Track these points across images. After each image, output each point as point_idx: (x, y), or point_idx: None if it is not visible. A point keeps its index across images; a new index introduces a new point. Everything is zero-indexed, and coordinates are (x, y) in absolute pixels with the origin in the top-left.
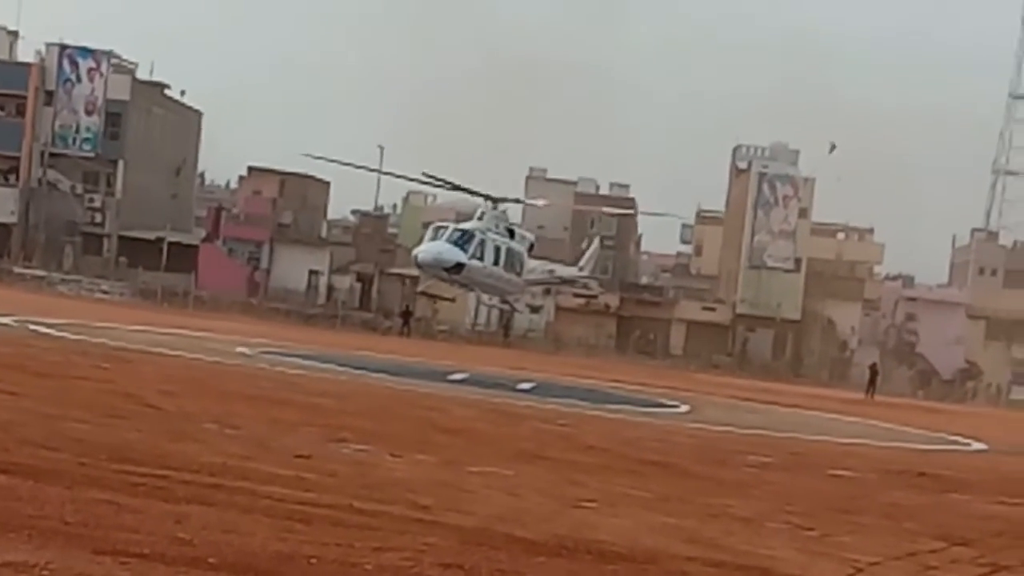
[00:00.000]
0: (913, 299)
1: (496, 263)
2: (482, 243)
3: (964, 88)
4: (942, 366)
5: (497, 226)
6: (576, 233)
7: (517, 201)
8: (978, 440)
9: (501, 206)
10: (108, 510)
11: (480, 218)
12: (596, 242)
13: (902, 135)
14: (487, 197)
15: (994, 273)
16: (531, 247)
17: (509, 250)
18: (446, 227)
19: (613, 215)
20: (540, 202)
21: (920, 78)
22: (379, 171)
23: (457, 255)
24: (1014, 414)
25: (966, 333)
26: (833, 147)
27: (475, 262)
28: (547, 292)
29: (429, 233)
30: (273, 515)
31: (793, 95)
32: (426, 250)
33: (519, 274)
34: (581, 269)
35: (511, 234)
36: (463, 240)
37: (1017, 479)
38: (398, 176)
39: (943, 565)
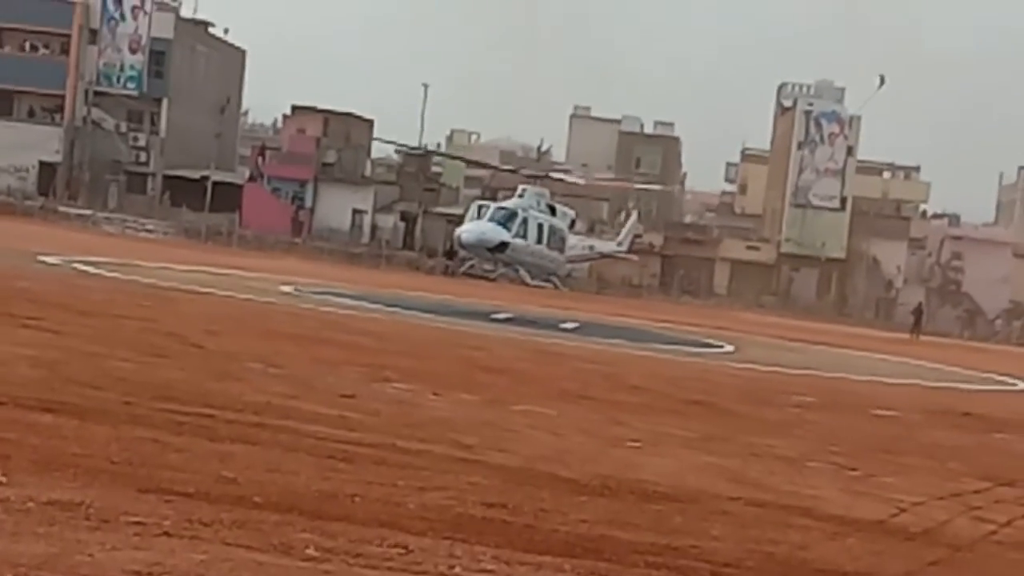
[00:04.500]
0: (959, 238)
1: (539, 241)
2: (525, 221)
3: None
4: (988, 305)
5: (539, 203)
6: (620, 171)
7: (559, 180)
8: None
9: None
10: (153, 449)
11: (521, 195)
12: (634, 216)
13: (950, 72)
14: (529, 176)
15: None
16: (572, 223)
17: (551, 227)
18: (488, 206)
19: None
20: (580, 180)
21: (969, 14)
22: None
23: (501, 234)
24: None
25: (1012, 272)
26: (883, 81)
27: (519, 240)
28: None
29: (471, 212)
30: (317, 454)
31: (839, 32)
32: (469, 230)
33: (561, 251)
34: (620, 244)
35: (552, 211)
36: (506, 219)
37: None
38: (452, 157)
39: (987, 505)
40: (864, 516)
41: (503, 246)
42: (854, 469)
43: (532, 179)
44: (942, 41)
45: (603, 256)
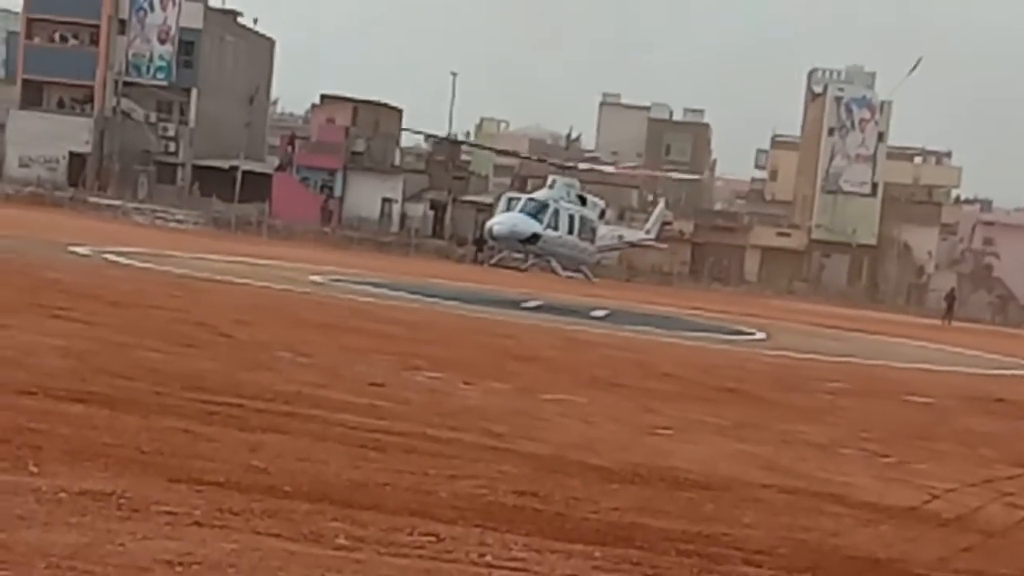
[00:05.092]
0: (991, 223)
1: (570, 232)
2: (556, 212)
3: None
4: (1021, 291)
5: (568, 194)
6: (650, 159)
7: (589, 170)
8: None
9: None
10: (183, 439)
11: (551, 186)
12: (661, 204)
13: (981, 58)
14: (559, 166)
15: None
16: (602, 213)
17: (582, 218)
18: (519, 198)
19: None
20: (610, 169)
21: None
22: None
23: (533, 226)
24: None
25: None
26: (916, 65)
27: (550, 232)
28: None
29: (502, 204)
30: (347, 443)
31: (871, 17)
32: (501, 222)
33: (592, 242)
34: (648, 232)
35: (583, 201)
36: (537, 210)
37: None
38: (481, 147)
39: (1019, 491)
40: (897, 503)
41: (535, 238)
42: (887, 456)
43: (562, 169)
44: (974, 26)
45: (632, 245)
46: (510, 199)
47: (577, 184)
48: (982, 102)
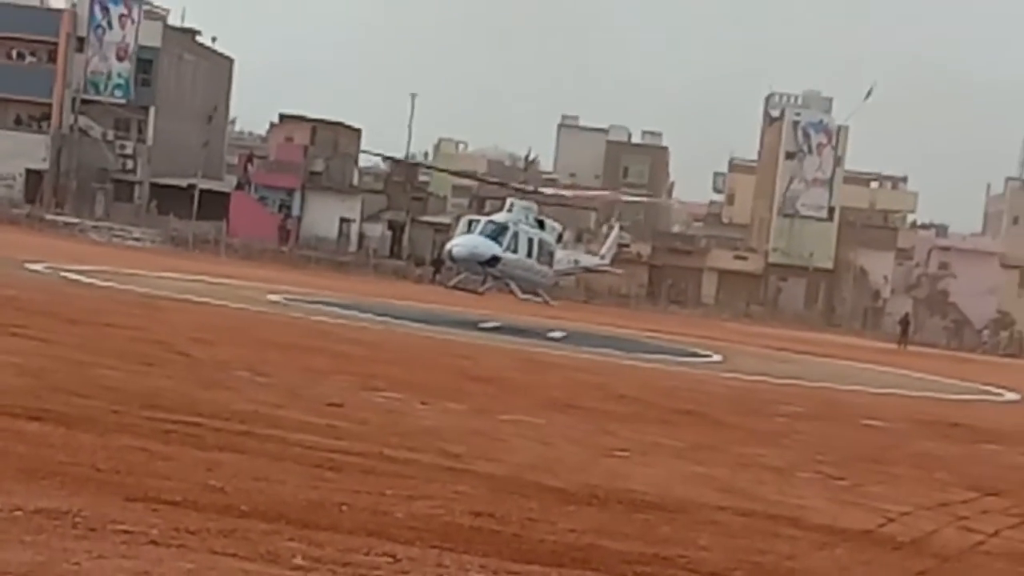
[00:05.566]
0: (946, 248)
1: (529, 255)
2: (516, 235)
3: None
4: (975, 316)
5: (527, 217)
6: (608, 181)
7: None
8: (1011, 390)
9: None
10: (140, 457)
11: (510, 209)
12: (616, 229)
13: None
14: (518, 189)
15: None
16: (560, 237)
17: (541, 241)
18: (479, 220)
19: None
20: (568, 193)
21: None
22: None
23: (493, 248)
24: None
25: (999, 283)
26: (871, 91)
27: (509, 255)
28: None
29: (461, 226)
30: (304, 463)
31: (828, 42)
32: (461, 244)
33: (550, 265)
34: (603, 257)
35: (541, 224)
36: (497, 233)
37: None
38: (439, 169)
39: (974, 515)
40: (852, 526)
41: (494, 260)
42: (842, 479)
43: (520, 192)
44: (929, 51)
45: (588, 270)
46: (470, 221)
47: (535, 207)
48: (938, 128)
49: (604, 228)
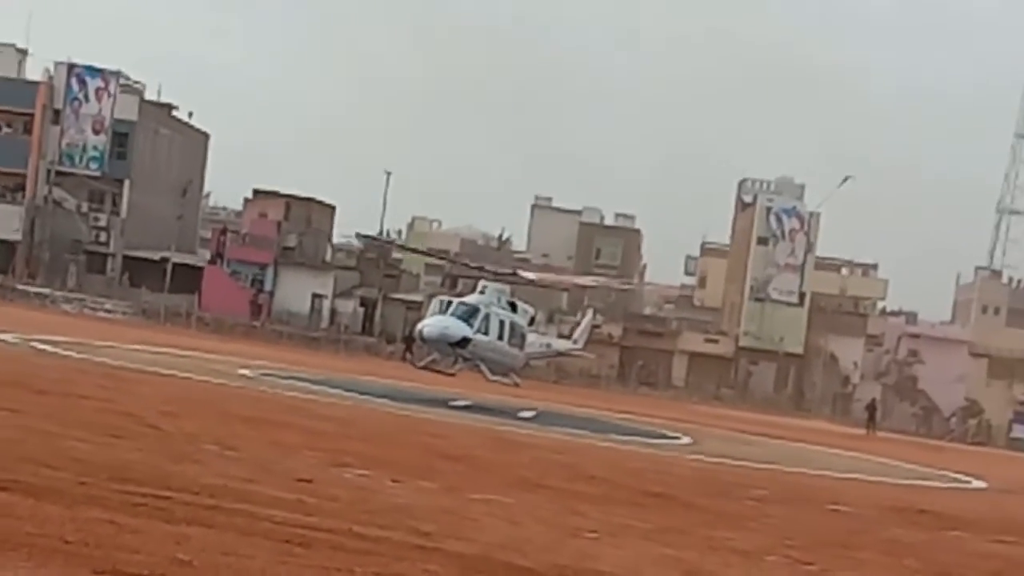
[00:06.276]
0: (916, 336)
1: (500, 337)
2: (487, 317)
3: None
4: (944, 403)
5: (499, 299)
6: (580, 262)
7: (515, 280)
8: (978, 478)
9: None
10: (108, 530)
11: (483, 291)
12: (589, 314)
13: (907, 175)
14: (493, 273)
15: (997, 312)
16: (532, 320)
17: (512, 324)
18: (451, 301)
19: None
20: (531, 275)
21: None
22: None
23: (463, 330)
24: (1015, 453)
25: (968, 371)
26: (847, 178)
27: (480, 336)
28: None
29: (433, 306)
30: (273, 538)
31: (801, 130)
32: (432, 324)
33: (521, 348)
34: (575, 342)
35: (513, 307)
36: (468, 315)
37: (1016, 518)
38: (413, 251)
39: None
40: None
41: (465, 341)
42: (810, 563)
43: (494, 274)
44: (900, 141)
45: (560, 354)
46: (442, 301)
47: (508, 289)
48: (908, 218)
49: (578, 316)
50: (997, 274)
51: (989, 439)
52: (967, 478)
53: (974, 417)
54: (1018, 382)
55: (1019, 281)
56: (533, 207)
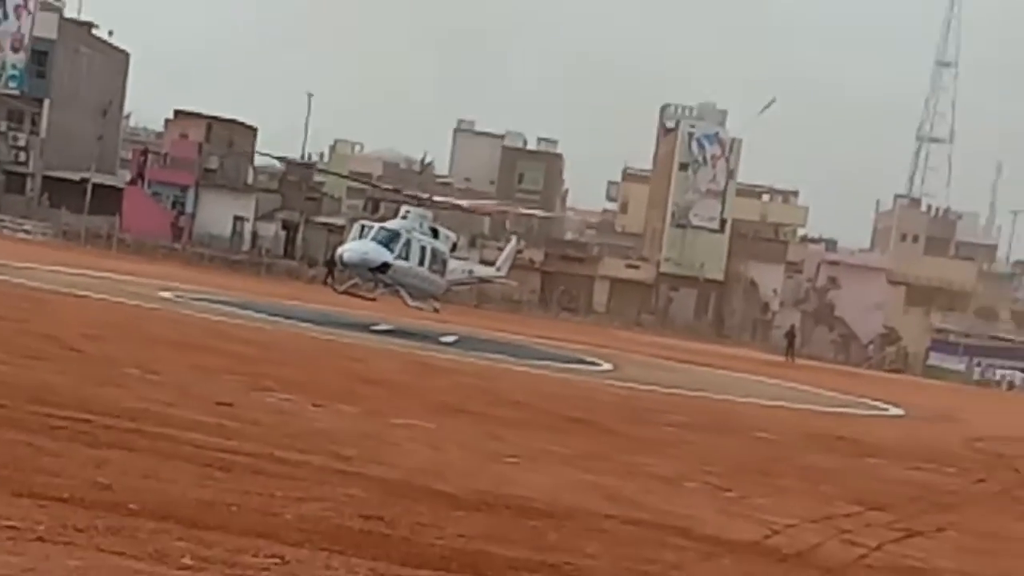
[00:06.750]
0: (835, 263)
1: (421, 263)
2: (408, 243)
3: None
4: (862, 330)
5: (421, 225)
6: (502, 187)
7: (441, 205)
8: (895, 406)
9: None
10: (27, 452)
11: (405, 216)
12: (513, 241)
13: (830, 100)
14: (413, 197)
15: (916, 239)
16: (454, 246)
17: (434, 250)
18: (372, 226)
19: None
20: (464, 203)
21: (851, 47)
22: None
23: (384, 255)
24: (931, 381)
25: (886, 298)
26: (770, 103)
27: (401, 262)
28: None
29: (354, 231)
30: (194, 462)
31: (723, 55)
32: (352, 249)
33: (442, 274)
34: (499, 269)
35: (435, 233)
36: (389, 240)
37: (932, 445)
38: (335, 174)
39: (858, 529)
40: (738, 537)
41: (385, 267)
42: (729, 490)
43: (414, 199)
44: (822, 68)
45: (482, 281)
46: (363, 226)
47: (430, 215)
48: (829, 145)
49: (504, 233)
50: (916, 202)
51: (906, 366)
52: (885, 405)
53: (892, 344)
54: (935, 310)
55: (938, 209)
56: (455, 131)
